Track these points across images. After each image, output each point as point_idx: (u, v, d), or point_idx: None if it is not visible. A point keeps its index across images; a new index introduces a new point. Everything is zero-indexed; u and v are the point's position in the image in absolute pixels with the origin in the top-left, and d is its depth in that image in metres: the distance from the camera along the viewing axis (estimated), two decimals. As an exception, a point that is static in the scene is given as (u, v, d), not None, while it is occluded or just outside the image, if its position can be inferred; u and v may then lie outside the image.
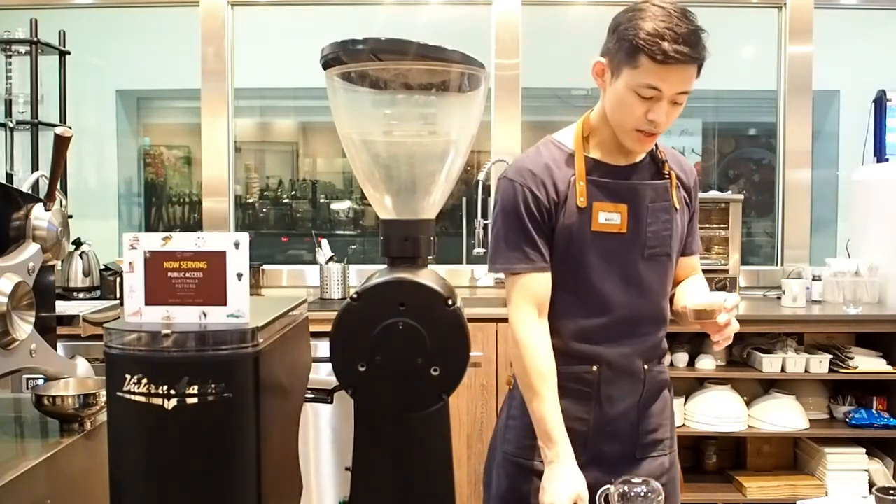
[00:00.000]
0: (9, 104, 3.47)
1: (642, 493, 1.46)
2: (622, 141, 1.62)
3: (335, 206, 4.79)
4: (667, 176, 1.67)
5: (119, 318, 1.05)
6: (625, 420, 1.67)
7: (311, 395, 1.42)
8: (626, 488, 1.47)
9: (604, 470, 1.62)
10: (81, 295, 3.34)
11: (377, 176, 1.13)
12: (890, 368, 3.08)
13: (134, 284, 1.02)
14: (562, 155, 1.64)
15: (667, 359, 1.80)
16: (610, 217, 1.61)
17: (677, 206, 1.68)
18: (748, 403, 3.19)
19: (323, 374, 1.95)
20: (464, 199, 3.89)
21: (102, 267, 3.42)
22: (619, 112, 1.58)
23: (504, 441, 1.71)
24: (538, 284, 1.61)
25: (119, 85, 4.51)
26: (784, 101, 3.79)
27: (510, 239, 1.61)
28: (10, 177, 3.36)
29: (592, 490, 1.58)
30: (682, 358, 3.17)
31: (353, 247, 4.46)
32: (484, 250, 3.56)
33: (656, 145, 1.69)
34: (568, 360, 1.63)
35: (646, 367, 1.67)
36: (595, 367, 1.62)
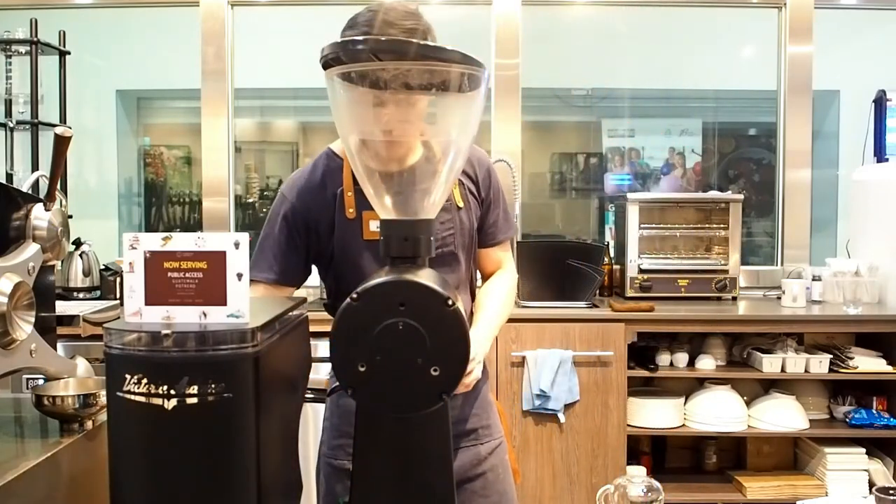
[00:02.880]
0: (9, 104, 3.47)
1: (642, 493, 1.46)
2: None
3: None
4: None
5: (119, 318, 1.05)
6: None
7: (311, 395, 1.42)
8: (626, 488, 1.47)
9: None
10: (81, 295, 3.34)
11: (377, 176, 1.13)
12: (890, 368, 3.08)
13: (134, 284, 1.02)
14: (336, 165, 1.64)
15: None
16: (377, 226, 1.53)
17: (461, 204, 1.66)
18: (748, 403, 3.20)
19: (323, 374, 1.95)
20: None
21: (102, 267, 3.42)
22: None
23: (321, 443, 1.76)
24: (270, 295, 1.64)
25: (119, 85, 4.52)
26: (784, 101, 3.79)
27: (264, 247, 1.65)
28: (10, 177, 3.36)
29: None
30: (682, 358, 3.17)
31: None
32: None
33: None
34: None
35: None
36: None
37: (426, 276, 1.05)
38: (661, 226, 3.52)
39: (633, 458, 3.19)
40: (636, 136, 4.60)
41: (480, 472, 1.72)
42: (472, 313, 1.76)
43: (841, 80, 4.38)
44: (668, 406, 3.13)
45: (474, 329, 1.66)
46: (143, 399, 0.97)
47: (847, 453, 3.10)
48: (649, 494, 1.46)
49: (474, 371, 1.52)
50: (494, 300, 1.75)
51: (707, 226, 3.54)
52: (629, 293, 3.42)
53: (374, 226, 1.60)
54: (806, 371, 3.10)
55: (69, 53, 3.54)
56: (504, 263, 1.84)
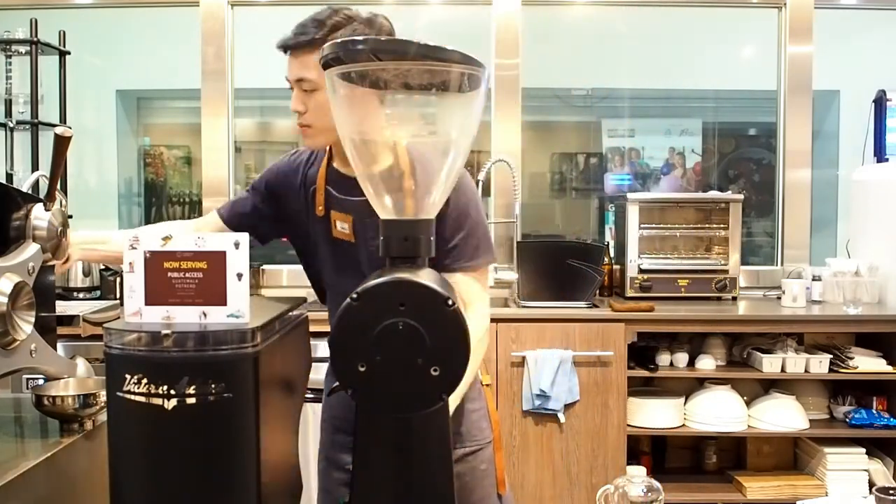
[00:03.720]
0: (9, 104, 3.47)
1: (642, 493, 1.46)
2: None
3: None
4: None
5: (119, 318, 1.05)
6: None
7: (312, 395, 1.42)
8: (626, 488, 1.47)
9: None
10: (81, 295, 3.34)
11: (377, 176, 1.13)
12: (890, 368, 3.08)
13: (134, 284, 1.02)
14: (318, 159, 1.75)
15: None
16: (343, 227, 1.67)
17: None
18: (748, 403, 3.20)
19: (323, 374, 1.95)
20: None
21: (102, 267, 3.42)
22: None
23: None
24: (209, 222, 1.82)
25: (119, 85, 4.51)
26: (784, 101, 3.79)
27: (239, 196, 1.84)
28: (10, 177, 3.36)
29: None
30: (682, 358, 3.17)
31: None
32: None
33: None
34: None
35: None
36: None
37: (426, 276, 1.05)
38: (661, 226, 3.52)
39: (633, 458, 3.19)
40: (636, 136, 4.60)
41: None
42: None
43: (841, 80, 4.38)
44: (668, 406, 3.13)
45: None
46: (143, 399, 0.97)
47: (847, 453, 3.10)
48: (649, 494, 1.46)
49: None
50: None
51: (707, 226, 3.54)
52: (629, 293, 3.42)
53: (339, 226, 1.67)
54: (806, 371, 3.10)
55: (69, 53, 3.54)
56: (467, 300, 1.61)
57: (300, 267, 1.90)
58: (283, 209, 1.78)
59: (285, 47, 1.66)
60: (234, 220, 1.80)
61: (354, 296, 1.03)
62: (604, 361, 3.07)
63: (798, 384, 3.22)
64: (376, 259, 1.58)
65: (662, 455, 3.42)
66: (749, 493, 3.10)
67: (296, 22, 1.79)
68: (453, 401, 1.63)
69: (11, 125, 3.39)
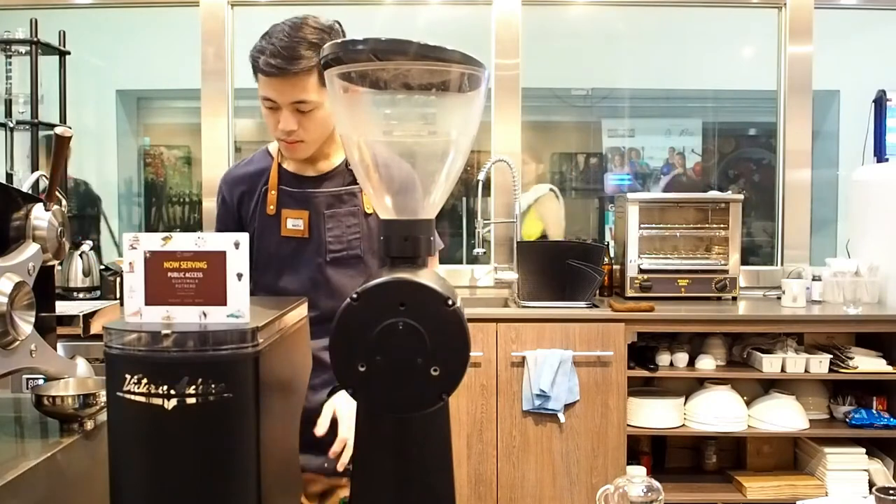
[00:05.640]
0: (9, 104, 3.47)
1: (642, 493, 1.46)
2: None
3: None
4: (356, 182, 1.76)
5: (119, 318, 1.05)
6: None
7: (311, 395, 1.42)
8: (626, 488, 1.47)
9: (314, 452, 1.67)
10: (81, 295, 3.34)
11: (377, 176, 1.13)
12: (890, 368, 3.08)
13: (134, 284, 1.02)
14: (268, 164, 1.82)
15: None
16: (296, 223, 1.76)
17: (369, 211, 1.78)
18: (748, 403, 3.20)
19: (323, 374, 1.95)
20: (464, 200, 3.90)
21: (102, 267, 3.42)
22: (266, 122, 1.74)
23: None
24: None
25: (119, 85, 4.52)
26: (784, 101, 3.79)
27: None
28: (10, 177, 3.36)
29: (305, 468, 1.64)
30: (682, 358, 3.17)
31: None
32: (483, 250, 3.58)
33: None
34: None
35: None
36: None
37: (426, 276, 1.05)
38: (661, 226, 3.52)
39: (633, 458, 3.19)
40: (636, 136, 4.60)
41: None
42: None
43: (841, 80, 4.38)
44: (668, 406, 3.13)
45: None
46: (143, 399, 0.97)
47: (847, 453, 3.10)
48: (649, 494, 1.46)
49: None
50: None
51: (707, 226, 3.54)
52: (629, 293, 3.42)
53: (290, 223, 1.76)
54: (806, 371, 3.11)
55: (69, 53, 3.54)
56: None
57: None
58: (242, 216, 1.83)
59: (281, 72, 1.67)
60: None
61: (354, 296, 1.03)
62: (604, 361, 3.07)
63: (798, 384, 3.22)
64: (327, 251, 1.72)
65: (662, 455, 3.42)
66: (749, 493, 3.10)
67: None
68: None
69: (11, 125, 3.39)
